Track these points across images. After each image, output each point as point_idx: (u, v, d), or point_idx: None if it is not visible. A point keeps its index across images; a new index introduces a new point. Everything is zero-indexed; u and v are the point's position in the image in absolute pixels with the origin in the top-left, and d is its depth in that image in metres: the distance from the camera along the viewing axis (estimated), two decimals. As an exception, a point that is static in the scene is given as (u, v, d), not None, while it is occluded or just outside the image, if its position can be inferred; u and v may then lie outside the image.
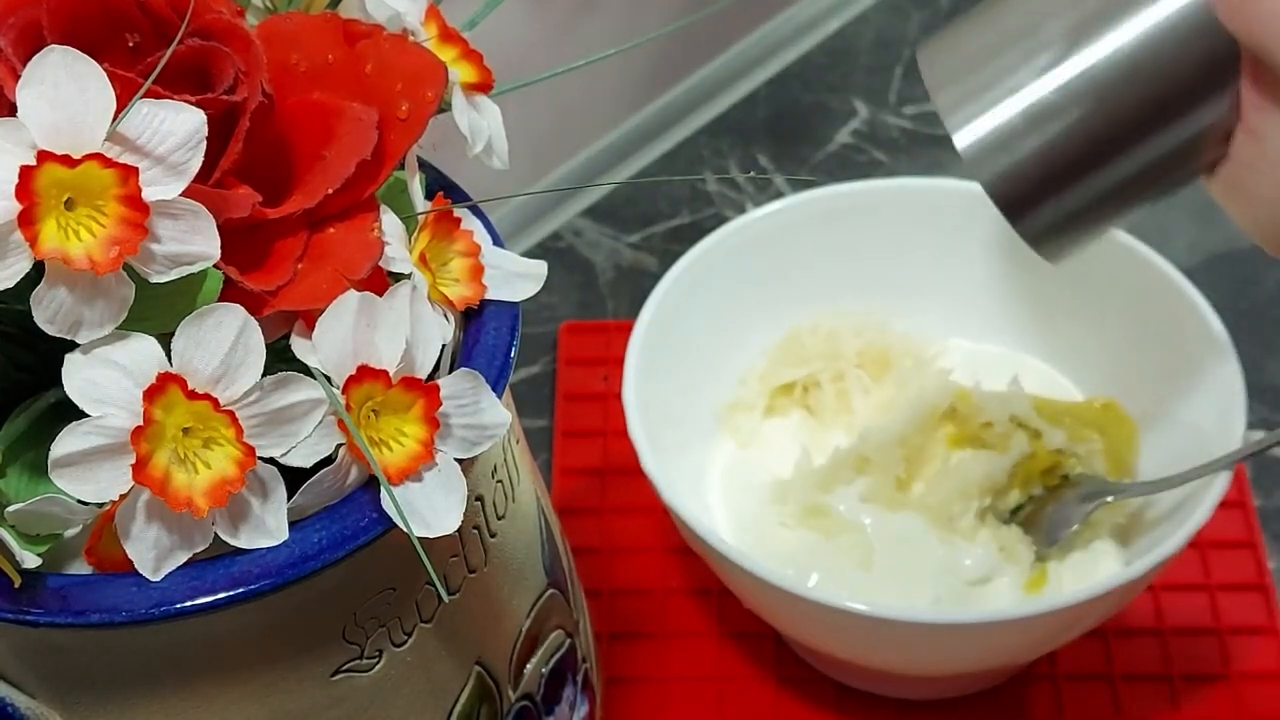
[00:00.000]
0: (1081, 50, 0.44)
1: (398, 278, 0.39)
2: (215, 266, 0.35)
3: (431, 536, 0.37)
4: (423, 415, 0.37)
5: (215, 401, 0.35)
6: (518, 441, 0.46)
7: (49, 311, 0.34)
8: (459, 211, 0.42)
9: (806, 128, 0.91)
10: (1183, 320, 0.63)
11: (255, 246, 0.38)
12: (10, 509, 0.35)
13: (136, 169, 0.33)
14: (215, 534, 0.36)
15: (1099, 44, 0.44)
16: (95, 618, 0.35)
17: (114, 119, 0.33)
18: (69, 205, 0.33)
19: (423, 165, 0.43)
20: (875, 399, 0.68)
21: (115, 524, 0.35)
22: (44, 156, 0.33)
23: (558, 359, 0.78)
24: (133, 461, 0.34)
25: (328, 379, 0.36)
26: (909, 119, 0.91)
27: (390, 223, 0.39)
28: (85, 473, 0.34)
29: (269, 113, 0.38)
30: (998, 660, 0.61)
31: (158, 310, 0.36)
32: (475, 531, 0.42)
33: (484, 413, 0.39)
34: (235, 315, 0.35)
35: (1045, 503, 0.63)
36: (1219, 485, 0.56)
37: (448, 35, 0.42)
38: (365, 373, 0.36)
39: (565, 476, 0.73)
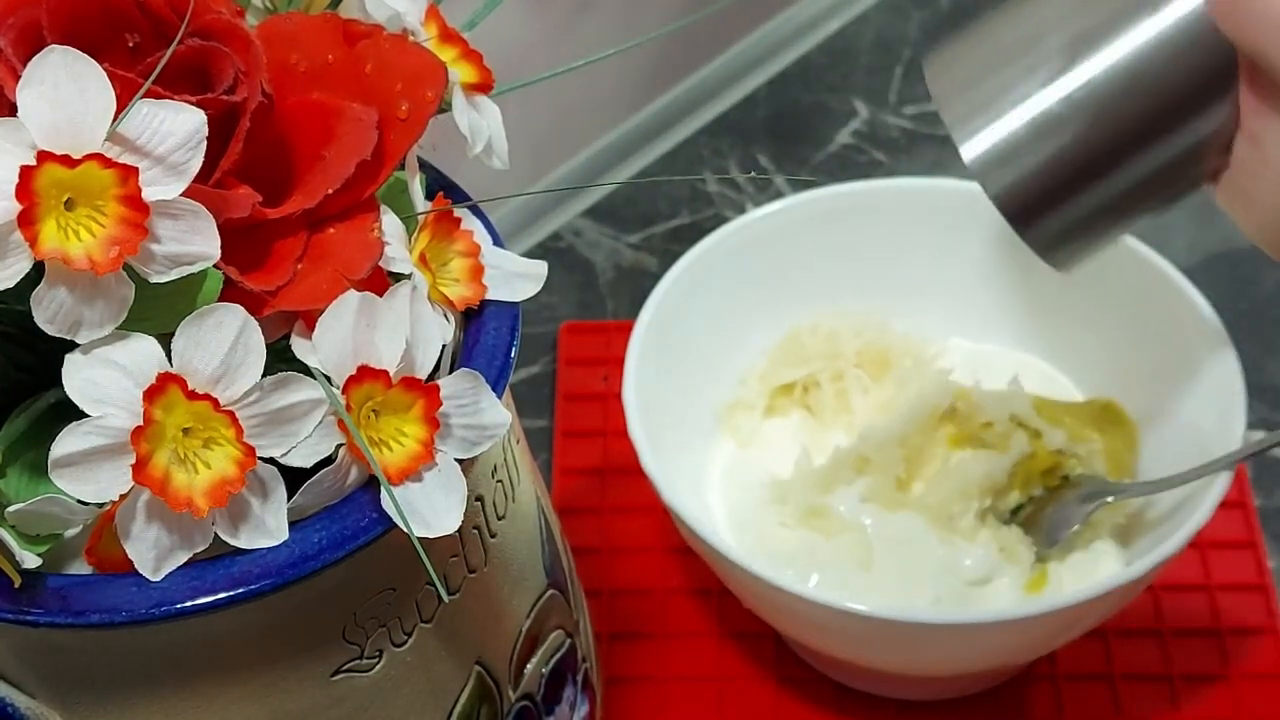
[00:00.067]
0: (1083, 62, 0.44)
1: (398, 278, 0.39)
2: (215, 266, 0.35)
3: (431, 536, 0.37)
4: (423, 415, 0.37)
5: (215, 401, 0.35)
6: (518, 441, 0.46)
7: (49, 311, 0.34)
8: (459, 211, 0.42)
9: (806, 128, 0.91)
10: (1183, 320, 0.63)
11: (255, 246, 0.38)
12: (10, 509, 0.35)
13: (136, 169, 0.33)
14: (215, 534, 0.36)
15: (1100, 55, 0.44)
16: (95, 618, 0.35)
17: (114, 119, 0.33)
18: (69, 205, 0.33)
19: (423, 165, 0.43)
20: (875, 399, 0.68)
21: (115, 524, 0.35)
22: (44, 156, 0.33)
23: (558, 359, 0.78)
24: (133, 462, 0.34)
25: (328, 379, 0.36)
26: (909, 119, 0.90)
27: (390, 223, 0.39)
28: (85, 473, 0.34)
29: (269, 113, 0.38)
30: (998, 660, 0.61)
31: (158, 310, 0.36)
32: (475, 531, 0.42)
33: (484, 413, 0.39)
34: (235, 315, 0.35)
35: (1045, 503, 0.63)
36: (1219, 485, 0.56)
37: (448, 35, 0.42)
38: (365, 373, 0.36)
39: (565, 476, 0.73)
